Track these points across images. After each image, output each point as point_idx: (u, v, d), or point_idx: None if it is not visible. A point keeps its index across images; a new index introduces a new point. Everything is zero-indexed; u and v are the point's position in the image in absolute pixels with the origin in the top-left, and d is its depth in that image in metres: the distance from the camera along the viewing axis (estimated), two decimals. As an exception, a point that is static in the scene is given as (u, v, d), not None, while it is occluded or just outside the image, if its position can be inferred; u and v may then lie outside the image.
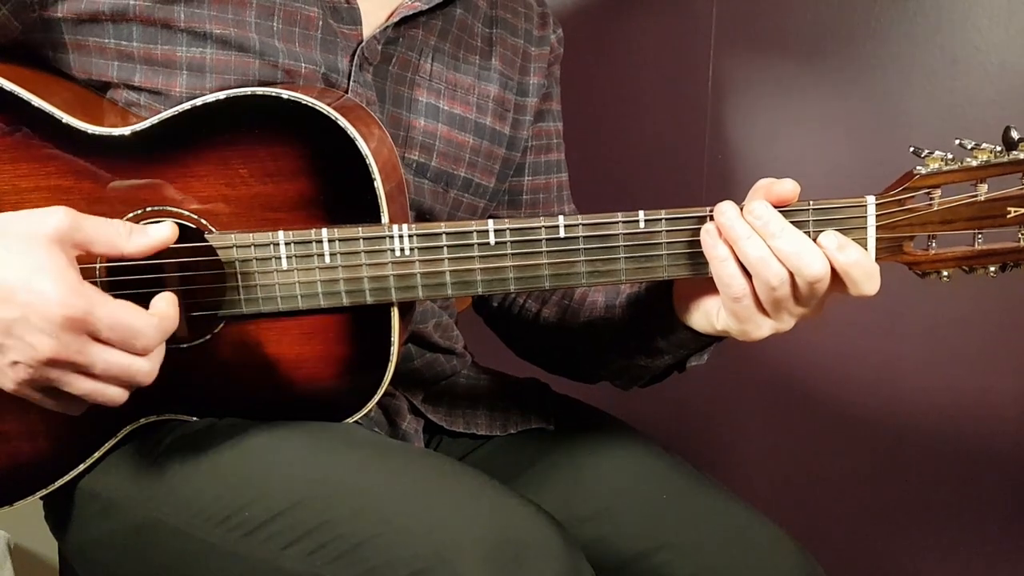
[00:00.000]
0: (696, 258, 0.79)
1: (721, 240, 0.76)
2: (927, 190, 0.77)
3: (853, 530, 1.50)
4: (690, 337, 0.86)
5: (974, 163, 0.76)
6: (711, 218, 0.77)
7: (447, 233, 0.80)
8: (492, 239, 0.80)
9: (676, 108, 1.50)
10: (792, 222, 0.76)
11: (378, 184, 0.78)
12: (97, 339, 0.68)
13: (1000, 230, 0.77)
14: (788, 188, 0.77)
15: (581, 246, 0.80)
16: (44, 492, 0.86)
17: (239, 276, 0.80)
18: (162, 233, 0.74)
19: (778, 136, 1.43)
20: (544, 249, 0.80)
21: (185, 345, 0.82)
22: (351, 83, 0.88)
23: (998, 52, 1.27)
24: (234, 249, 0.80)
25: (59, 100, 0.79)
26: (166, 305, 0.72)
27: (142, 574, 0.84)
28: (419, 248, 0.80)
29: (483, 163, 0.98)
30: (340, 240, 0.79)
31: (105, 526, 0.85)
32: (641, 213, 0.79)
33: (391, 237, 0.79)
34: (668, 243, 0.79)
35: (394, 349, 0.82)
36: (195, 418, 0.86)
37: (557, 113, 1.08)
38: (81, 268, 0.70)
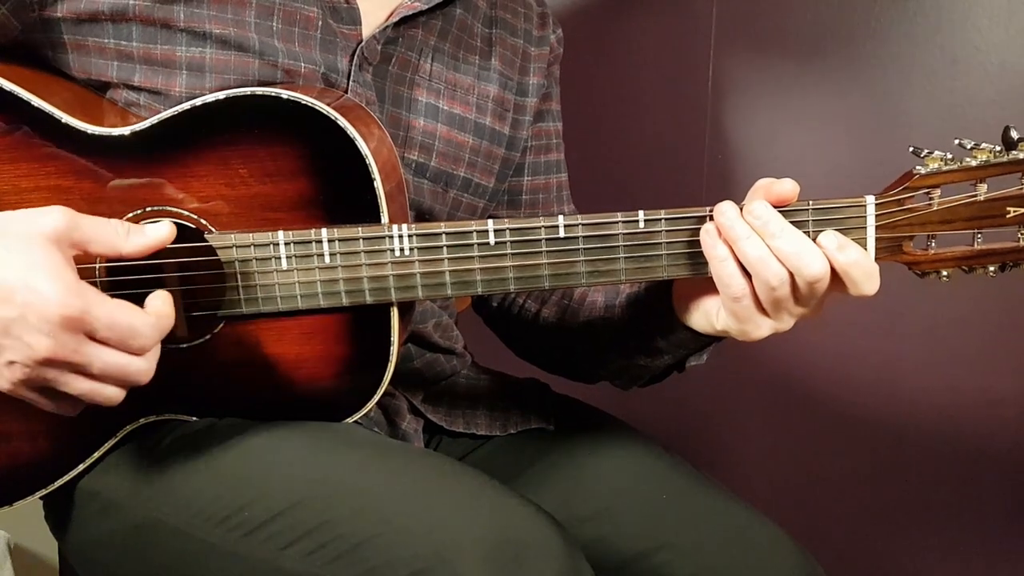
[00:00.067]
0: (696, 258, 0.79)
1: (721, 240, 0.76)
2: (926, 190, 0.77)
3: (853, 530, 1.50)
4: (690, 337, 0.86)
5: (973, 163, 0.76)
6: (711, 218, 0.77)
7: (447, 233, 0.80)
8: (492, 239, 0.80)
9: (676, 108, 1.50)
10: (792, 222, 0.76)
11: (378, 184, 0.78)
12: (94, 339, 0.68)
13: (999, 230, 0.77)
14: (787, 188, 0.77)
15: (581, 246, 0.80)
16: (44, 492, 0.86)
17: (239, 276, 0.80)
18: (160, 233, 0.74)
19: (778, 136, 1.43)
20: (544, 249, 0.80)
21: (185, 345, 0.82)
22: (351, 83, 0.88)
23: (998, 52, 1.27)
24: (234, 249, 0.80)
25: (59, 100, 0.79)
26: (162, 304, 0.72)
27: (142, 574, 0.84)
28: (419, 248, 0.80)
29: (483, 163, 0.98)
30: (340, 240, 0.79)
31: (105, 526, 0.85)
32: (641, 213, 0.79)
33: (391, 237, 0.79)
34: (668, 243, 0.79)
35: (394, 349, 0.82)
36: (195, 418, 0.86)
37: (557, 113, 1.08)
38: (81, 269, 0.70)
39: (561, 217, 0.79)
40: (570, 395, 1.08)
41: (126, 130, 0.79)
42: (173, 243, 0.77)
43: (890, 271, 0.79)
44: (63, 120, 0.78)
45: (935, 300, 1.34)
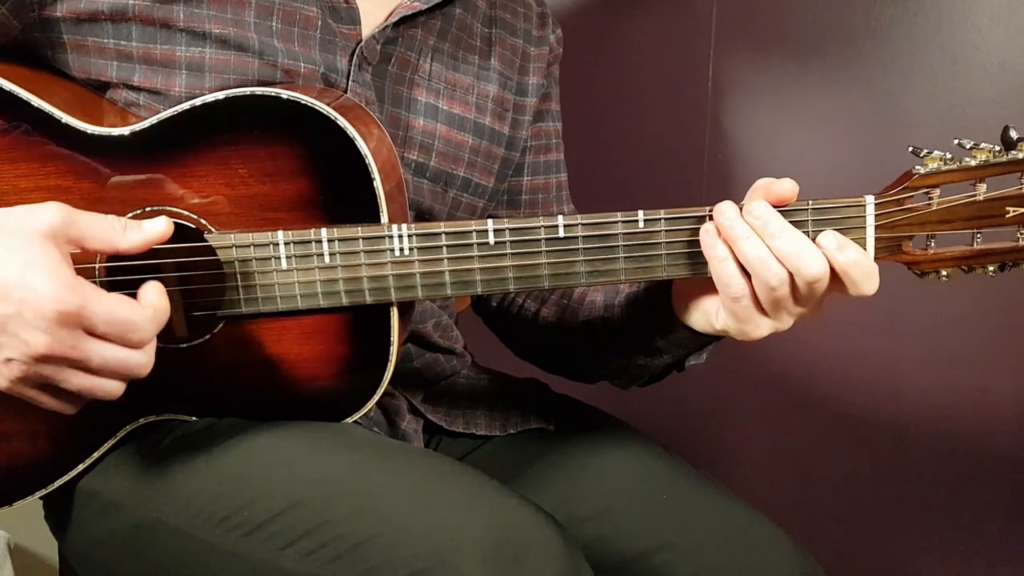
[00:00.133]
0: (695, 258, 0.79)
1: (720, 240, 0.76)
2: (926, 190, 0.77)
3: (853, 530, 1.50)
4: (689, 336, 0.86)
5: (973, 163, 0.76)
6: (710, 218, 0.77)
7: (446, 233, 0.80)
8: (491, 239, 0.80)
9: (676, 108, 1.50)
10: (791, 222, 0.76)
11: (377, 184, 0.78)
12: (93, 334, 0.68)
13: (999, 230, 0.77)
14: (787, 188, 0.76)
15: (580, 246, 0.80)
16: (44, 492, 0.86)
17: (238, 276, 0.80)
18: (157, 228, 0.74)
19: (778, 136, 1.43)
20: (543, 249, 0.80)
21: (184, 345, 0.82)
22: (350, 83, 0.88)
23: (998, 52, 1.27)
24: (233, 249, 0.80)
25: (59, 100, 0.79)
26: (157, 296, 0.72)
27: (142, 574, 0.84)
28: (418, 248, 0.80)
29: (482, 163, 0.98)
30: (339, 240, 0.79)
31: (105, 526, 0.85)
32: (640, 213, 0.79)
33: (390, 237, 0.79)
34: (667, 243, 0.79)
35: (393, 349, 0.82)
36: (195, 418, 0.86)
37: (556, 113, 1.08)
38: (81, 269, 0.70)
39: (561, 217, 0.79)
40: (570, 395, 1.08)
41: (126, 130, 0.79)
42: (173, 243, 0.78)
43: (889, 271, 0.79)
44: (63, 120, 0.78)
45: (934, 300, 1.34)
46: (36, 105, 0.78)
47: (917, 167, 0.77)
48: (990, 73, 1.27)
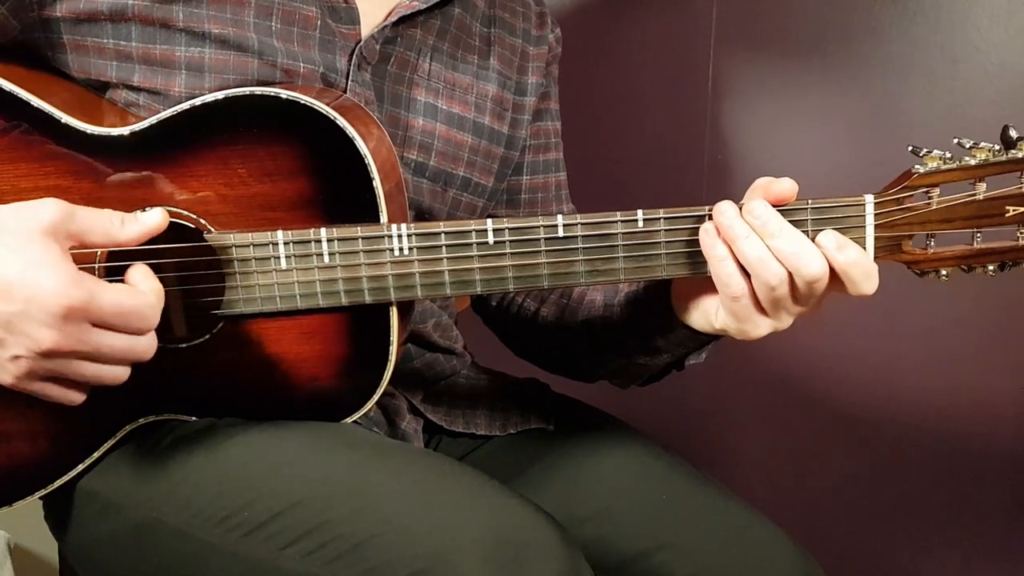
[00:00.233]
0: (695, 257, 0.79)
1: (720, 239, 0.76)
2: (925, 189, 0.77)
3: (853, 530, 1.50)
4: (689, 336, 0.86)
5: (972, 162, 0.76)
6: (710, 217, 0.77)
7: (446, 232, 0.80)
8: (491, 238, 0.80)
9: (676, 108, 1.50)
10: (791, 221, 0.76)
11: (377, 184, 0.78)
12: (99, 325, 0.69)
13: (998, 229, 0.77)
14: (786, 187, 0.76)
15: (580, 245, 0.80)
16: (44, 492, 0.86)
17: (238, 276, 0.80)
18: (154, 219, 0.75)
19: (778, 136, 1.43)
20: (543, 248, 0.80)
21: (184, 345, 0.82)
22: (349, 83, 0.88)
23: (998, 52, 1.27)
24: (233, 249, 0.80)
25: (58, 100, 0.79)
26: (149, 278, 0.74)
27: (142, 574, 0.84)
28: (418, 247, 0.80)
29: (482, 162, 0.98)
30: (339, 240, 0.79)
31: (105, 526, 0.85)
32: (640, 212, 0.79)
33: (390, 236, 0.79)
34: (667, 242, 0.79)
35: (393, 349, 0.82)
36: (194, 418, 0.86)
37: (555, 112, 1.08)
38: (81, 268, 0.70)
39: (560, 216, 0.79)
40: (570, 395, 1.08)
41: (125, 130, 0.79)
42: (173, 243, 0.78)
43: (889, 270, 0.79)
44: (62, 120, 0.78)
45: (934, 299, 1.34)
46: (36, 105, 0.78)
47: (917, 166, 0.77)
48: (990, 73, 1.28)
